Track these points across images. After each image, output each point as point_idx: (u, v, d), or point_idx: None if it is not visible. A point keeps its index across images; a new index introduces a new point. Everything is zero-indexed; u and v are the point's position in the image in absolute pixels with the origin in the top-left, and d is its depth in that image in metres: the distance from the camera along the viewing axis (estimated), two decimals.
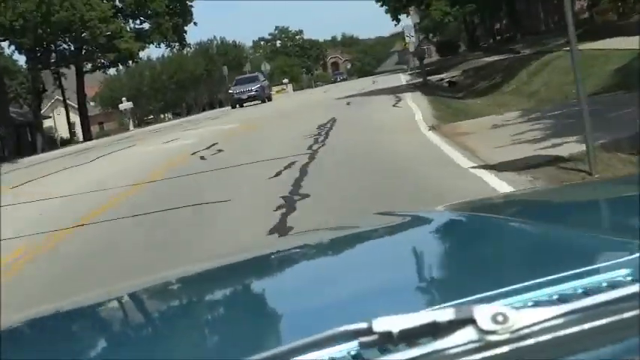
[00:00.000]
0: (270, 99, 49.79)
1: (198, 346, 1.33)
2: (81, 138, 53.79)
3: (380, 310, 0.87)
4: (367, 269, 1.65)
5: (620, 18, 30.11)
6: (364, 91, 35.10)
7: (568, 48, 8.84)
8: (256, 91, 48.41)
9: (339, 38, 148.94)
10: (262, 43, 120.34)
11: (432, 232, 2.09)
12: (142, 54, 59.91)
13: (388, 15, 67.87)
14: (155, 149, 21.31)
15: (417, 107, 20.01)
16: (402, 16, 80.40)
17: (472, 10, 56.11)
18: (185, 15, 55.59)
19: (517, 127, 12.39)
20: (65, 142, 54.13)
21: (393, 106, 21.97)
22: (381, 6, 74.63)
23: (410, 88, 31.68)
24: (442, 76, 36.08)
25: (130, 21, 56.84)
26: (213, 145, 18.27)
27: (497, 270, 1.46)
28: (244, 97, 48.05)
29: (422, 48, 35.47)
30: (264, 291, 1.72)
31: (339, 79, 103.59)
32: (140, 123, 64.41)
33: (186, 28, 56.28)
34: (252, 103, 47.68)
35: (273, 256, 2.12)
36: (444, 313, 0.82)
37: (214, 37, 71.64)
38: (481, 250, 1.69)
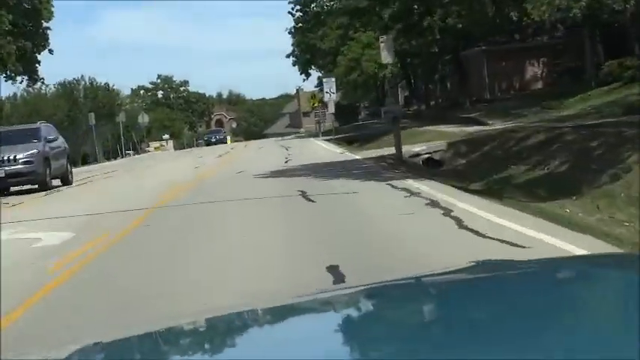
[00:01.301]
0: (69, 181, 24.33)
1: None
2: None
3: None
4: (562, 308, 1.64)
5: None
6: (295, 165, 21.90)
7: None
8: (26, 162, 21.93)
9: (225, 95, 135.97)
10: (142, 91, 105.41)
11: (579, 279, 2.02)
12: None
13: (279, 75, 55.55)
14: None
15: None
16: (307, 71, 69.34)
17: (414, 66, 44.27)
18: (37, 39, 40.77)
19: None
20: None
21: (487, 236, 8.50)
22: (287, 57, 63.01)
23: (384, 167, 18.83)
24: (416, 149, 23.24)
25: None
26: None
27: None
28: None
29: (396, 106, 22.50)
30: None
31: (213, 140, 73.53)
32: None
33: (39, 56, 41.88)
34: (22, 187, 22.34)
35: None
36: None
37: (82, 76, 56.80)
38: None
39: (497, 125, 29.46)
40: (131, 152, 70.33)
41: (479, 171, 18.84)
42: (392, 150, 23.55)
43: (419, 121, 39.74)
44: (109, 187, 22.65)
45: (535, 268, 2.20)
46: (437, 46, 39.43)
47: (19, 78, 41.57)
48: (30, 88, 48.42)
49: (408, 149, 23.33)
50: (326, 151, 29.82)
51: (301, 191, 13.45)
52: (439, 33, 37.58)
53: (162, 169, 29.64)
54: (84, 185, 24.37)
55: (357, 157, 23.24)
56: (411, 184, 13.62)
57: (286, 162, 23.70)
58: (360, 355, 1.51)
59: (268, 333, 1.85)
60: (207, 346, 1.81)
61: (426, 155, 22.44)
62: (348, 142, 39.63)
